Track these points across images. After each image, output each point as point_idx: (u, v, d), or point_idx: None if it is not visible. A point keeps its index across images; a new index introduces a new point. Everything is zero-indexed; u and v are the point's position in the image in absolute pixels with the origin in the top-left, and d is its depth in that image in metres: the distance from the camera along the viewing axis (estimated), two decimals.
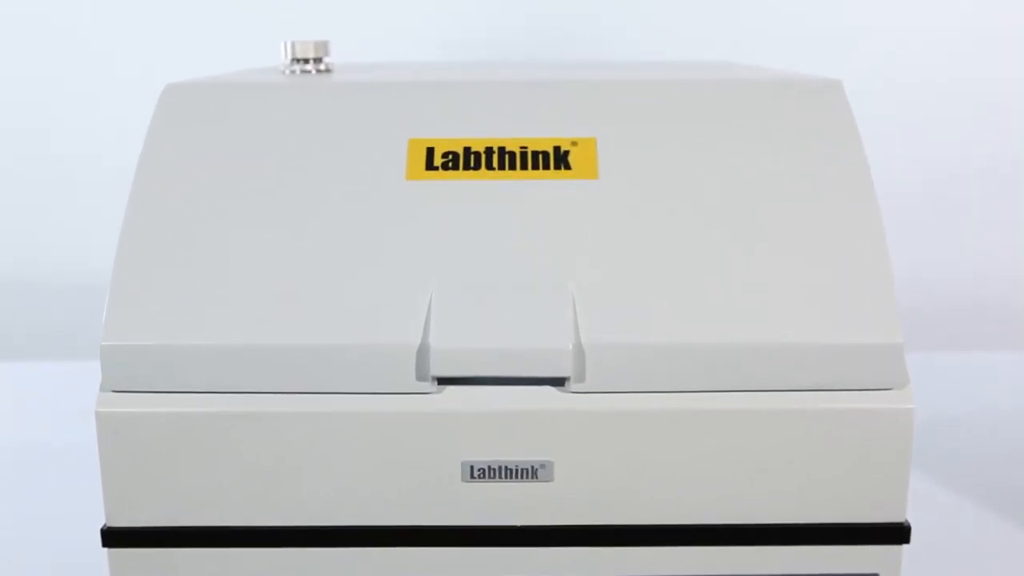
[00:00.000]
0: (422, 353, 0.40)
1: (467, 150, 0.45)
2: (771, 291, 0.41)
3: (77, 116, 0.95)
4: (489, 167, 0.45)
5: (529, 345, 0.40)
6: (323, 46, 0.57)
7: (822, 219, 0.43)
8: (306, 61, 0.57)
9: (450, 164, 0.45)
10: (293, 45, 0.56)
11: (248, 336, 0.41)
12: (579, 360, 0.40)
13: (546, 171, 0.45)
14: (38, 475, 0.68)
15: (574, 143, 0.45)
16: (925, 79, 0.93)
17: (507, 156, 0.45)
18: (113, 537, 0.42)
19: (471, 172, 0.45)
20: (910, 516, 0.42)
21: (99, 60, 0.94)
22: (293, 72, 0.56)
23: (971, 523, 0.59)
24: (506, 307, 0.41)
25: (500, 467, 0.41)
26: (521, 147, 0.45)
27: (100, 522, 0.42)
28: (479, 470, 0.41)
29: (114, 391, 0.41)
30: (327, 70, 0.56)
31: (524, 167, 0.45)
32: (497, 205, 0.44)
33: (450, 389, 0.41)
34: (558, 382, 0.41)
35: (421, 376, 0.40)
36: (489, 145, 0.45)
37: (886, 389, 0.41)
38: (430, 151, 0.45)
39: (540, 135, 0.46)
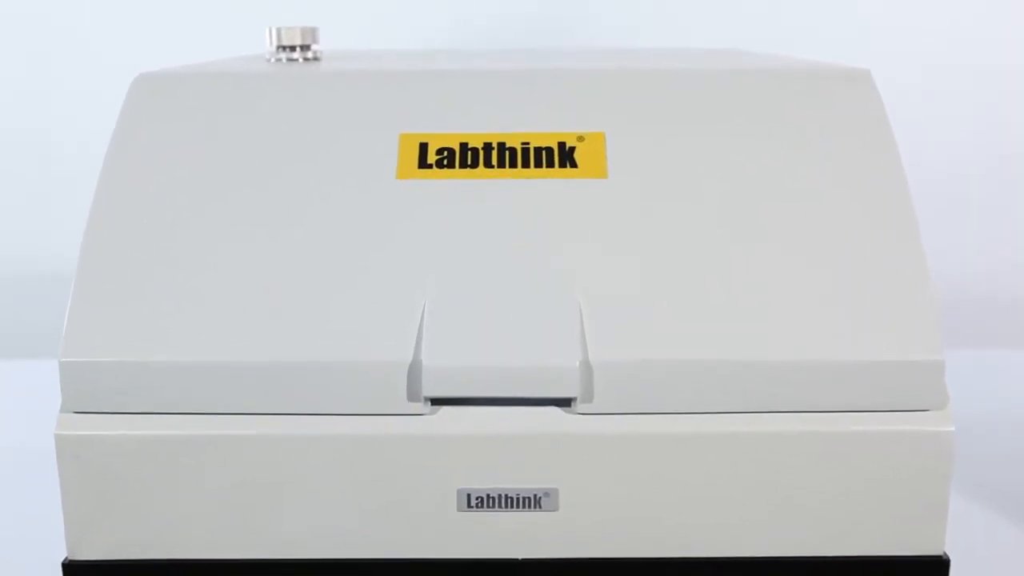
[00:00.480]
0: (414, 371, 0.38)
1: (463, 146, 0.43)
2: (798, 302, 0.39)
3: (74, 113, 0.93)
4: (488, 164, 0.43)
5: (531, 362, 0.38)
6: (311, 33, 0.55)
7: (853, 222, 0.41)
8: (292, 49, 0.55)
9: (445, 161, 0.43)
10: (279, 31, 0.55)
11: (223, 352, 0.38)
12: (587, 378, 0.38)
13: (550, 169, 0.42)
14: (37, 475, 0.65)
15: (581, 138, 0.43)
16: (928, 74, 0.91)
17: (507, 152, 0.43)
18: (75, 572, 0.39)
19: (468, 170, 0.42)
20: None
21: (96, 56, 0.92)
22: (279, 60, 0.54)
23: (980, 527, 0.56)
24: (506, 320, 0.39)
25: (500, 495, 0.39)
26: (523, 143, 0.43)
27: None
28: (477, 498, 0.39)
29: (76, 412, 0.39)
30: (315, 58, 0.54)
31: (526, 165, 0.43)
32: (496, 207, 0.41)
33: (445, 410, 0.39)
34: (564, 403, 0.38)
35: (413, 396, 0.38)
36: (488, 140, 0.43)
37: (923, 410, 0.39)
38: (423, 147, 0.43)
39: (543, 129, 0.43)
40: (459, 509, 0.39)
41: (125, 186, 0.42)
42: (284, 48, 0.55)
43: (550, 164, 0.42)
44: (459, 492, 0.39)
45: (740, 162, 0.42)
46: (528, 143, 0.43)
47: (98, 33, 0.91)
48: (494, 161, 0.43)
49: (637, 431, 0.38)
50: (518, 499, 0.39)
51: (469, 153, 0.43)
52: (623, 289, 0.39)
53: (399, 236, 0.41)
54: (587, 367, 0.38)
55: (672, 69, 0.47)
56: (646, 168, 0.42)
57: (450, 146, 0.43)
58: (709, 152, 0.43)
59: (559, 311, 0.39)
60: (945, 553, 0.40)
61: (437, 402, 0.39)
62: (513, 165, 0.43)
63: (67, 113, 0.93)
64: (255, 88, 0.46)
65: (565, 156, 0.43)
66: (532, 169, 0.42)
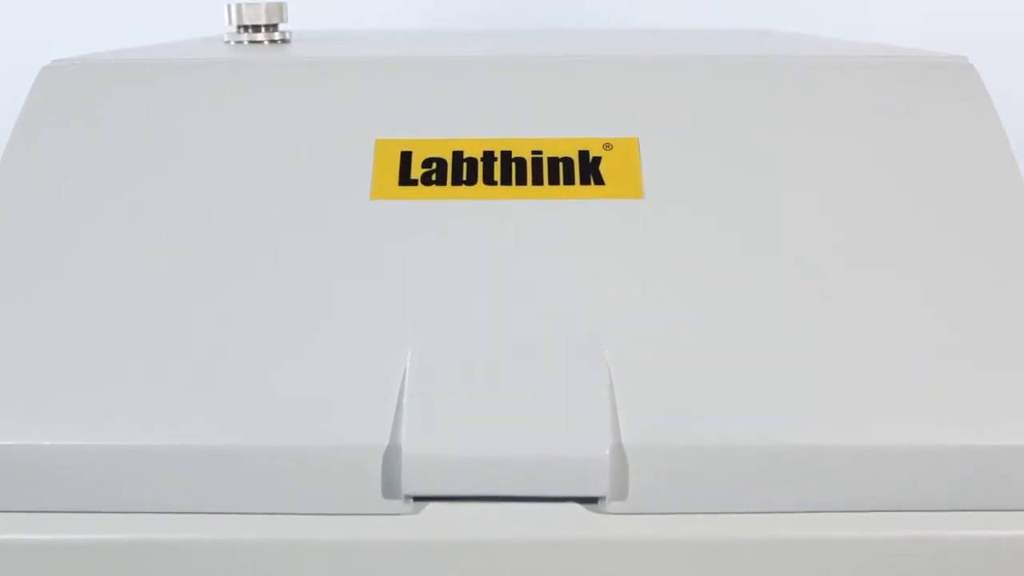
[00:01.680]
0: (390, 459, 0.34)
1: (458, 156, 0.39)
2: (886, 368, 0.35)
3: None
4: (489, 181, 0.39)
5: (546, 450, 0.33)
6: (278, 9, 0.53)
7: (956, 254, 0.37)
8: (256, 29, 0.52)
9: (433, 176, 0.39)
10: (239, 8, 0.52)
11: (149, 435, 0.34)
12: (619, 469, 0.34)
13: (569, 187, 0.39)
14: None
15: (608, 146, 0.39)
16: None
17: (514, 165, 0.39)
18: None
19: (463, 188, 0.39)
20: None
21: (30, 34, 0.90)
22: (239, 43, 0.52)
23: None
24: (512, 393, 0.34)
25: None
26: (534, 152, 0.39)
27: None
28: None
29: None
30: (283, 40, 0.52)
31: (538, 181, 0.39)
32: (500, 238, 0.38)
33: (431, 509, 0.34)
34: (588, 500, 0.34)
35: (389, 492, 0.34)
36: (488, 149, 0.40)
37: None
38: (406, 157, 0.39)
39: (560, 134, 0.40)
40: None
41: (22, 207, 0.38)
42: (246, 28, 0.52)
43: (569, 180, 0.39)
44: None
45: (816, 177, 0.39)
46: (540, 152, 0.39)
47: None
48: (497, 176, 0.39)
49: (684, 536, 0.34)
50: None
51: (464, 165, 0.39)
52: (666, 350, 0.35)
53: (373, 277, 0.37)
54: (620, 455, 0.34)
55: (722, 56, 0.43)
56: (693, 185, 0.39)
57: (440, 156, 0.39)
58: (774, 164, 0.39)
59: (582, 380, 0.34)
60: None
61: (421, 499, 0.34)
62: (521, 182, 0.39)
63: None
64: (194, 80, 0.42)
65: (588, 169, 0.39)
66: (546, 187, 0.39)
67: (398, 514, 0.34)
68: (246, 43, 0.51)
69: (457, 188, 0.38)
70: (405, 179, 0.39)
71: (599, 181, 0.38)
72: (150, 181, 0.39)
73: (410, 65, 0.43)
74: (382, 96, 0.41)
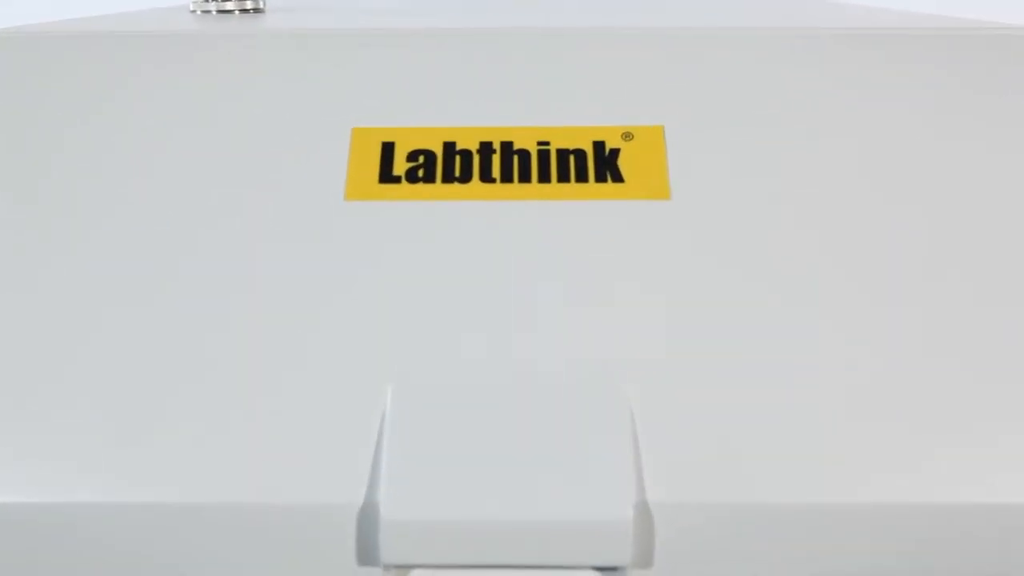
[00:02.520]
0: (365, 521, 0.31)
1: (449, 148, 0.36)
2: (942, 417, 0.31)
3: None
4: (486, 178, 0.36)
5: (555, 510, 0.30)
6: None
7: None
8: None
9: (420, 172, 0.36)
10: None
11: (95, 491, 0.31)
12: (644, 533, 0.31)
13: (582, 184, 0.36)
14: None
15: (628, 135, 0.37)
16: None
17: (516, 158, 0.36)
18: None
19: (455, 187, 0.36)
20: None
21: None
22: (207, 12, 0.50)
23: None
24: (512, 440, 0.31)
25: None
26: (540, 143, 0.37)
27: None
28: None
29: None
30: (255, 9, 0.51)
31: (545, 178, 0.36)
32: (499, 246, 0.35)
33: None
34: (607, 569, 0.31)
35: (365, 558, 0.31)
36: (486, 139, 0.37)
37: None
38: (387, 149, 0.36)
39: (571, 122, 0.37)
40: None
41: None
42: None
43: (582, 177, 0.36)
44: None
45: (870, 170, 0.35)
46: (548, 144, 0.37)
47: None
48: (495, 172, 0.36)
49: None
50: None
51: (457, 159, 0.36)
52: (698, 389, 0.32)
53: (346, 297, 0.33)
54: (645, 515, 0.30)
55: (763, 30, 0.40)
56: (729, 183, 0.35)
57: (429, 148, 0.36)
58: (822, 156, 0.36)
59: (598, 423, 0.31)
60: None
61: (404, 567, 0.31)
62: (525, 179, 0.36)
63: None
64: (152, 55, 0.39)
65: (605, 164, 0.36)
66: (554, 184, 0.36)
67: None
68: (214, 13, 0.49)
69: (448, 187, 0.36)
70: (386, 176, 0.36)
71: (617, 178, 0.36)
72: (93, 174, 0.35)
73: (395, 39, 0.40)
74: (361, 75, 0.38)
